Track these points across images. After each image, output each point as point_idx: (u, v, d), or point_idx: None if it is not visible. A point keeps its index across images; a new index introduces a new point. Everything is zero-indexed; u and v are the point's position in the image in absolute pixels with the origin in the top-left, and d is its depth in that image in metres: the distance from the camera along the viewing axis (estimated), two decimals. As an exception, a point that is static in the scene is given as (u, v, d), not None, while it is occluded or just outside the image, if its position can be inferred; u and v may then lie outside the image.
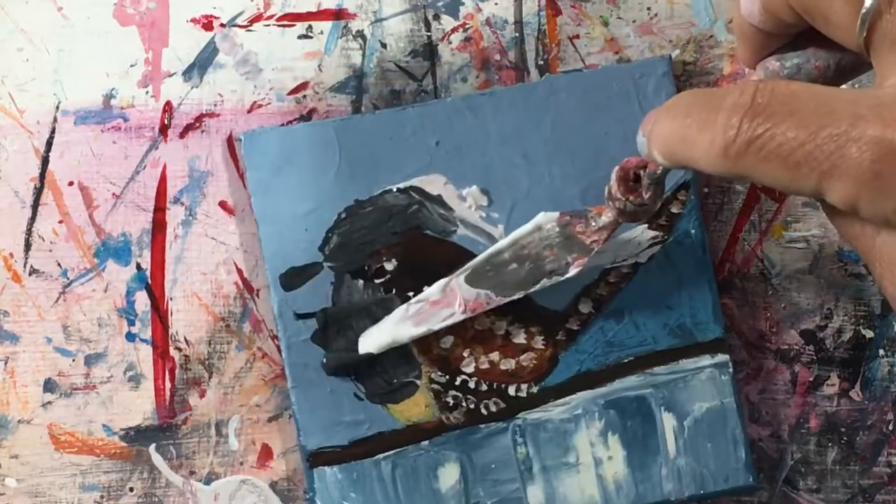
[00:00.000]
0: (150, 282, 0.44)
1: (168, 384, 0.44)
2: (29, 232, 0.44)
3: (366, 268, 0.43)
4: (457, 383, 0.43)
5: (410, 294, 0.42)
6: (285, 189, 0.43)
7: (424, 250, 0.43)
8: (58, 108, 0.44)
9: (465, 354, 0.43)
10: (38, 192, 0.44)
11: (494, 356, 0.43)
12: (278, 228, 0.43)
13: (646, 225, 0.42)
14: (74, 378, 0.44)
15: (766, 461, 0.43)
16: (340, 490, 0.42)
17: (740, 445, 0.42)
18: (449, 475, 0.43)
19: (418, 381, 0.43)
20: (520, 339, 0.43)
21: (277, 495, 0.44)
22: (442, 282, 0.41)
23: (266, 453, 0.44)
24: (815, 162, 0.30)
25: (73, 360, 0.44)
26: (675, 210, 0.42)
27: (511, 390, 0.43)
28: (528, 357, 0.43)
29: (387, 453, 0.43)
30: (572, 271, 0.40)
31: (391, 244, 0.43)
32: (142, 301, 0.44)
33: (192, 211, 0.44)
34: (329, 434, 0.42)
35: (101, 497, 0.44)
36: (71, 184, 0.44)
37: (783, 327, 0.44)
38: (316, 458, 0.42)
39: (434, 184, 0.43)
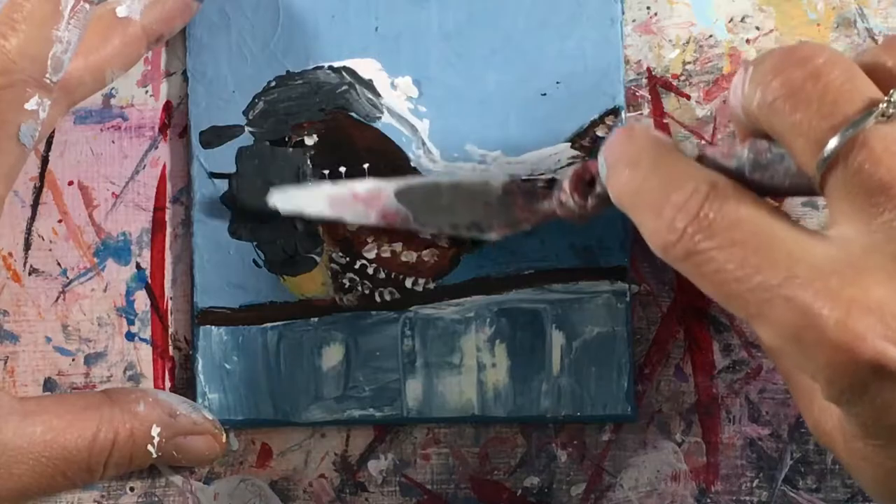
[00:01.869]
0: (149, 281, 0.44)
1: (168, 384, 0.44)
2: (28, 231, 0.44)
3: (286, 139, 0.43)
4: (356, 266, 0.43)
5: (325, 172, 0.43)
6: (220, 49, 0.43)
7: (346, 131, 0.43)
8: (57, 107, 0.44)
9: (368, 240, 0.43)
10: (38, 192, 0.44)
11: (397, 246, 0.43)
12: (207, 87, 0.43)
13: (569, 143, 0.42)
14: (74, 377, 0.44)
15: (765, 460, 0.43)
16: (223, 351, 0.43)
17: (624, 375, 0.42)
18: (332, 355, 0.43)
19: (318, 258, 0.43)
20: (425, 234, 0.43)
21: (277, 495, 0.44)
22: (373, 182, 0.42)
23: (266, 453, 0.44)
24: (745, 302, 0.31)
25: (73, 360, 0.44)
26: (600, 133, 0.43)
27: (408, 282, 0.43)
28: (431, 253, 0.43)
29: (275, 323, 0.43)
30: (491, 235, 0.41)
31: (315, 120, 0.43)
32: (142, 301, 0.44)
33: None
34: (222, 295, 0.43)
35: (101, 497, 0.44)
36: (70, 183, 0.44)
37: (783, 327, 0.44)
38: (204, 316, 0.43)
39: (367, 68, 0.43)
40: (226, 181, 0.43)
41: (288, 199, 0.42)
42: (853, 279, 0.30)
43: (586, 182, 0.38)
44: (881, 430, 0.31)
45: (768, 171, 0.34)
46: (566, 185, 0.39)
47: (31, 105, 0.36)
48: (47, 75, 0.36)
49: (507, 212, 0.40)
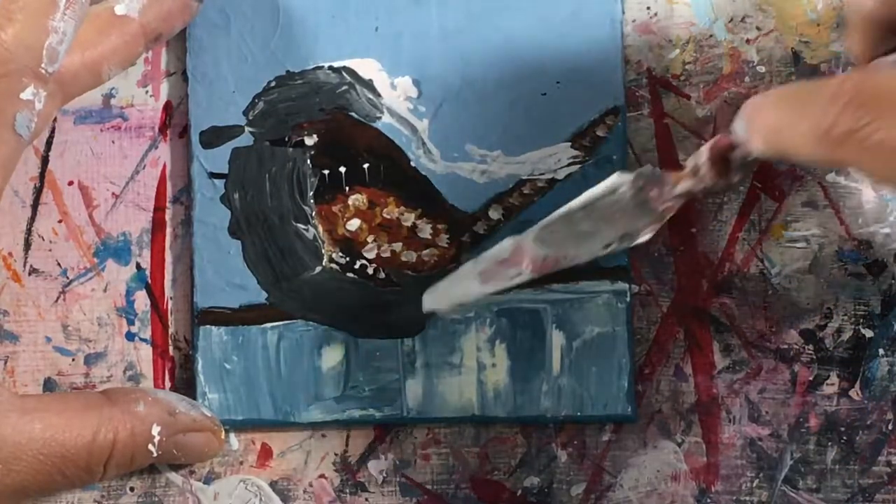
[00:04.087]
0: (149, 281, 0.44)
1: (168, 384, 0.44)
2: (28, 231, 0.44)
3: (286, 139, 0.43)
4: (356, 266, 0.43)
5: (325, 172, 0.43)
6: (221, 50, 0.43)
7: (346, 131, 0.43)
8: (57, 107, 0.44)
9: (368, 240, 0.43)
10: (38, 192, 0.44)
11: (397, 246, 0.43)
12: (207, 87, 0.43)
13: (569, 143, 0.42)
14: (74, 377, 0.44)
15: (765, 460, 0.43)
16: (223, 351, 0.43)
17: (624, 375, 0.43)
18: (332, 355, 0.43)
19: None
20: (425, 233, 0.43)
21: (277, 495, 0.44)
22: (510, 240, 0.41)
23: (266, 453, 0.44)
24: None
25: (73, 360, 0.44)
26: (600, 133, 0.43)
27: None
28: (431, 253, 0.43)
29: (275, 323, 0.43)
30: (643, 237, 0.40)
31: (315, 120, 0.43)
32: (142, 301, 0.44)
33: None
34: (221, 295, 0.43)
35: (101, 497, 0.44)
36: (71, 183, 0.44)
37: (783, 327, 0.44)
38: (204, 316, 0.43)
39: (367, 68, 0.43)
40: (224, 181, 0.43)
41: (443, 297, 0.42)
42: None
43: (723, 156, 0.38)
44: None
45: None
46: (705, 171, 0.38)
47: (26, 95, 0.36)
48: (43, 65, 0.36)
49: (648, 209, 0.40)
